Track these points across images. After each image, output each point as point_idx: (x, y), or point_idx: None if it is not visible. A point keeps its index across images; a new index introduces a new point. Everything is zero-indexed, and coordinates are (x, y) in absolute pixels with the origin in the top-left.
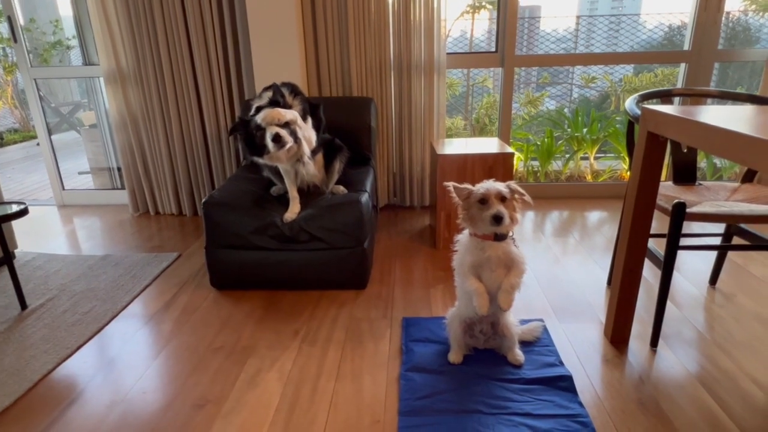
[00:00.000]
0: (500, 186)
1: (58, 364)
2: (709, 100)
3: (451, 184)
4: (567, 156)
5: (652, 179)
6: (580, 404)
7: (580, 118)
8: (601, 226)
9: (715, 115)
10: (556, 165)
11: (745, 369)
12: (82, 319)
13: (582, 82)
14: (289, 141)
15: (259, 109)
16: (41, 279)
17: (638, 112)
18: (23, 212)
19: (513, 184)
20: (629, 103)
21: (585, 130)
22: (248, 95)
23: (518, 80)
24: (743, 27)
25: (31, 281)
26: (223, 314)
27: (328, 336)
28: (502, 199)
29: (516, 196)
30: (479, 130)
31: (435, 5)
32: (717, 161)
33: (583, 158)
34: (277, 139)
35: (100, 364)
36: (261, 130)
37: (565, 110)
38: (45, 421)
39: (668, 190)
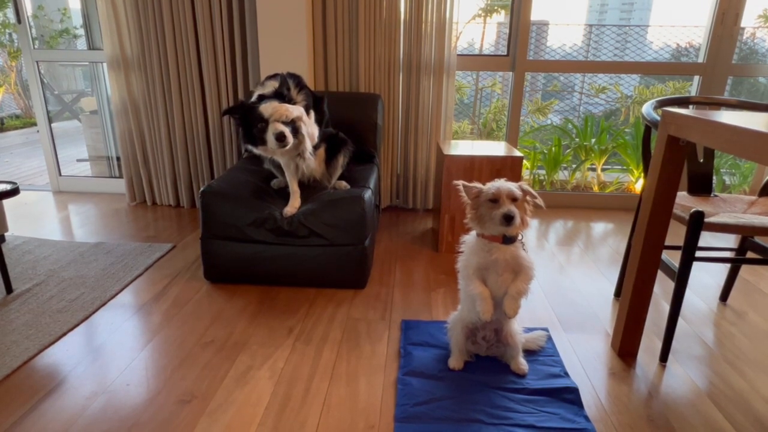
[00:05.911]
0: (512, 186)
1: (40, 352)
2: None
3: (460, 183)
4: (574, 166)
5: (670, 187)
6: (587, 418)
7: (588, 128)
8: (607, 237)
9: (740, 119)
10: (562, 174)
11: (759, 389)
12: (69, 307)
13: (592, 91)
14: (291, 141)
15: (261, 98)
16: (30, 263)
17: (656, 116)
18: (14, 191)
19: (525, 185)
20: (646, 107)
21: (593, 140)
22: (253, 86)
23: (526, 87)
24: (750, 50)
25: (19, 265)
26: (215, 308)
27: (324, 335)
28: (514, 199)
29: (527, 197)
30: (486, 134)
31: (447, 5)
32: (726, 178)
33: (590, 169)
34: (281, 138)
35: (84, 353)
36: (264, 121)
37: (574, 120)
38: (20, 410)
39: (683, 200)
